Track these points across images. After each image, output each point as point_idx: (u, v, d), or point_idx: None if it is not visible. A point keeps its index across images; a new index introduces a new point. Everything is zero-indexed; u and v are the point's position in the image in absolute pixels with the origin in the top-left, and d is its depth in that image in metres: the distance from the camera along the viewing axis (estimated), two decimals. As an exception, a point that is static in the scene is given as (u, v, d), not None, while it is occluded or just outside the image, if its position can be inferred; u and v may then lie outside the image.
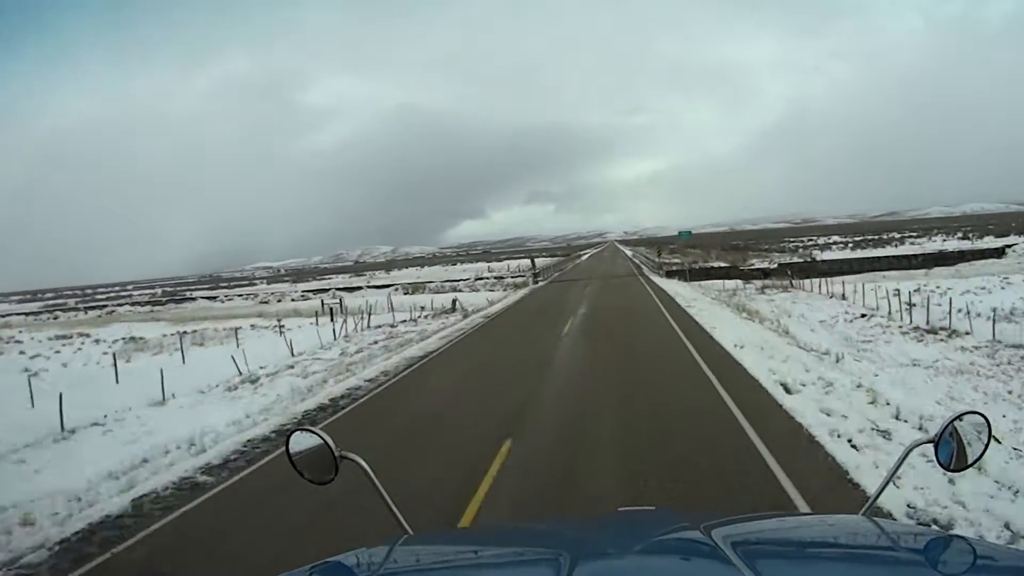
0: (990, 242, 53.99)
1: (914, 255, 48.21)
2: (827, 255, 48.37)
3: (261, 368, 16.26)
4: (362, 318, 27.25)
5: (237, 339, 22.29)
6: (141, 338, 27.85)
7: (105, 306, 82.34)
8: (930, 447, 1.58)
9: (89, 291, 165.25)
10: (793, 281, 26.26)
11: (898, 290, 21.85)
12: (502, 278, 49.85)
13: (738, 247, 75.41)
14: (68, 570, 4.79)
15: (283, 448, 1.77)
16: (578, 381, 9.93)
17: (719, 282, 32.26)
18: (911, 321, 15.70)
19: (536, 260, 74.27)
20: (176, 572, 4.71)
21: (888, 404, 6.90)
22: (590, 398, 8.62)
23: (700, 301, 19.24)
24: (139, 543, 5.18)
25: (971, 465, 1.56)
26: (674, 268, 36.45)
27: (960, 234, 68.73)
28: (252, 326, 28.87)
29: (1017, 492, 4.56)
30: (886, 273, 37.82)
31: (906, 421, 6.41)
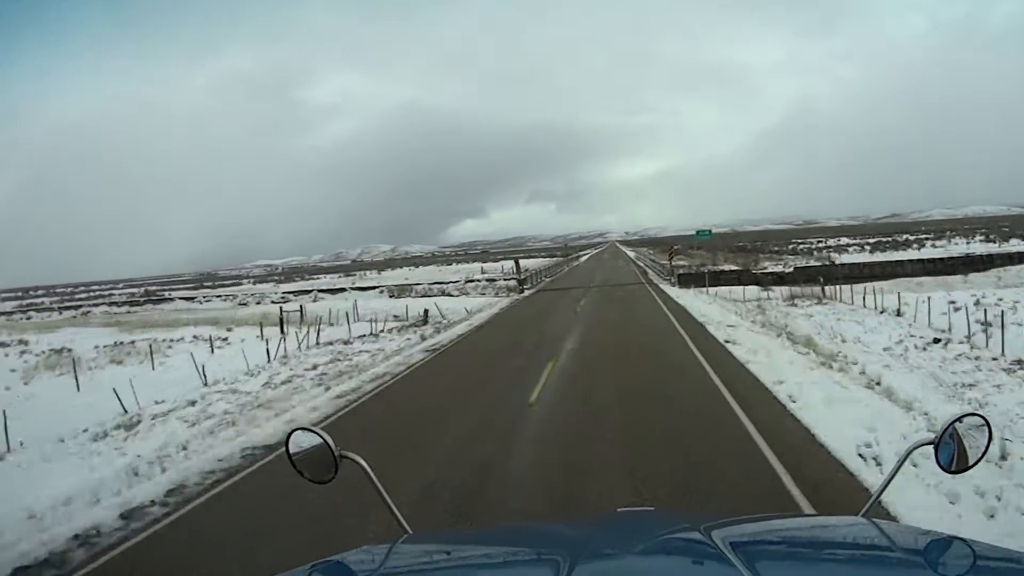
0: (1018, 245, 50.12)
1: (940, 259, 44.33)
2: (845, 258, 44.50)
3: (157, 403, 12.77)
4: (320, 329, 23.45)
5: (153, 359, 18.50)
6: (68, 350, 24.22)
7: (81, 306, 78.86)
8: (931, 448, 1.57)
9: (82, 289, 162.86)
10: (825, 289, 22.35)
11: (953, 302, 18.07)
12: (494, 280, 46.11)
13: (745, 248, 71.50)
14: None
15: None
16: None
17: (735, 289, 28.54)
18: (1003, 351, 11.86)
19: (525, 263, 70.17)
20: None
21: None
22: None
23: (736, 327, 13.95)
24: None
25: (971, 467, 1.54)
26: (682, 272, 32.58)
27: (981, 236, 64.82)
28: (195, 337, 25.13)
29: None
30: (919, 279, 33.92)
31: None
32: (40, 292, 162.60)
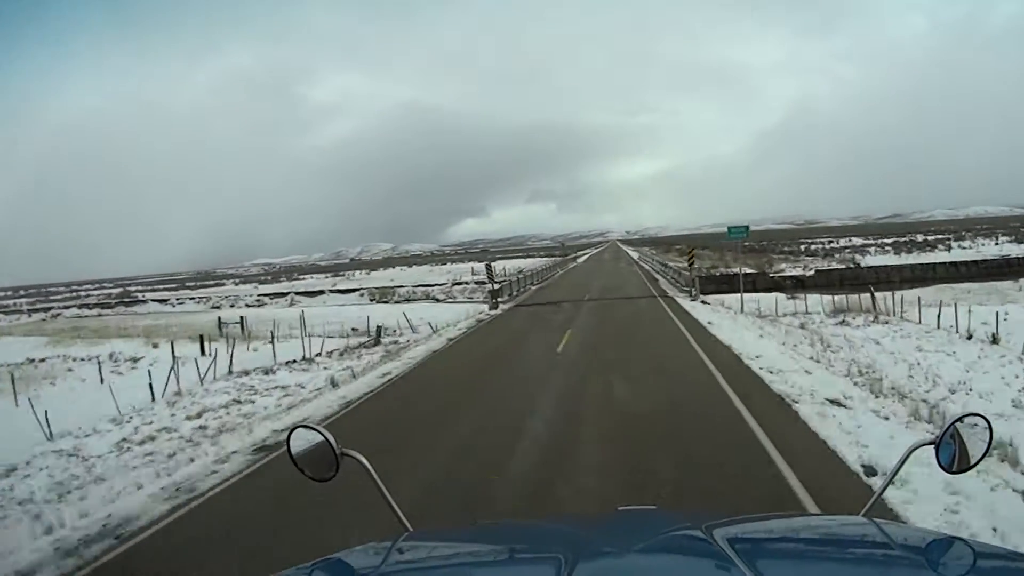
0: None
1: (974, 262, 40.14)
2: (870, 260, 40.24)
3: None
4: (253, 348, 19.34)
5: (16, 395, 14.30)
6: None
7: (52, 308, 74.70)
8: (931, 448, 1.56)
9: (70, 288, 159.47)
10: (875, 302, 18.13)
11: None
12: (483, 283, 41.99)
13: (754, 249, 67.15)
14: None
15: None
16: None
17: (759, 299, 24.37)
18: None
19: (520, 263, 65.08)
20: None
21: None
22: None
23: (816, 388, 7.79)
24: None
25: (972, 467, 1.54)
26: (684, 272, 28.29)
27: (1007, 237, 60.61)
28: (111, 355, 21.00)
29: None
30: (963, 286, 29.67)
31: None
32: (24, 292, 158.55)
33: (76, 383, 16.04)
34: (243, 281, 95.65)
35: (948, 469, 1.57)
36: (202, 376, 14.68)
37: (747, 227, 16.96)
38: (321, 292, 51.63)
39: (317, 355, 16.39)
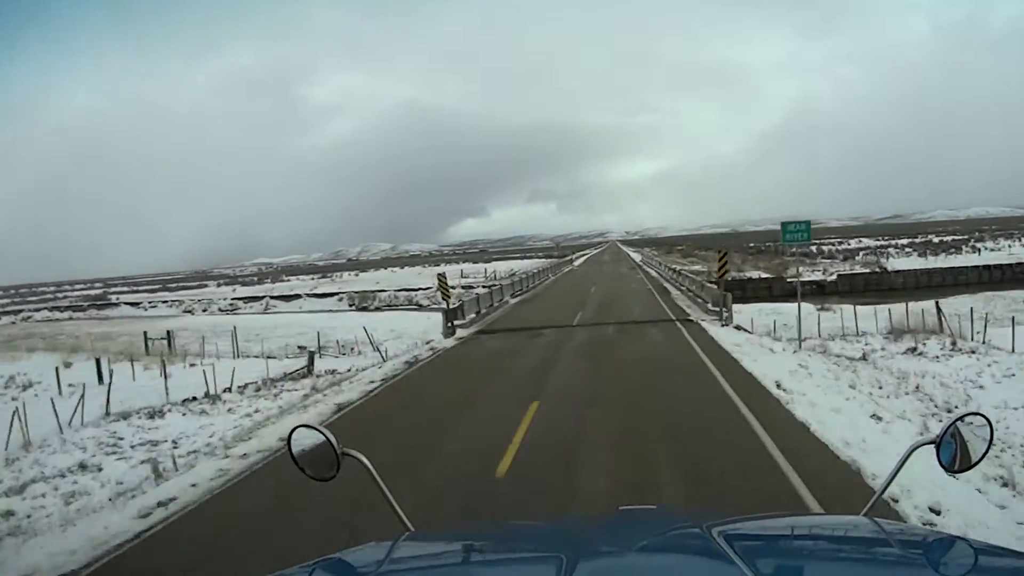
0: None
1: (1008, 265, 36.48)
2: (896, 263, 36.56)
3: None
4: (167, 374, 15.69)
5: None
6: None
7: (22, 311, 71.06)
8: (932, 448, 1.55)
9: (67, 287, 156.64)
10: (943, 320, 14.42)
11: None
12: (471, 287, 38.33)
13: (761, 251, 63.42)
14: None
15: None
16: None
17: (781, 309, 20.76)
18: None
19: (512, 264, 60.99)
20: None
21: None
22: None
23: None
24: None
25: (973, 466, 1.52)
26: (706, 284, 22.93)
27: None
28: (11, 379, 17.31)
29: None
30: (1013, 293, 26.07)
31: None
32: (14, 291, 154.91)
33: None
34: (229, 282, 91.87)
35: (949, 469, 1.54)
36: (71, 417, 11.05)
37: (808, 224, 11.12)
38: (298, 296, 47.96)
39: (227, 390, 12.69)
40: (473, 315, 17.90)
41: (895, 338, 13.66)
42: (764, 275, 33.55)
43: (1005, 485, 4.92)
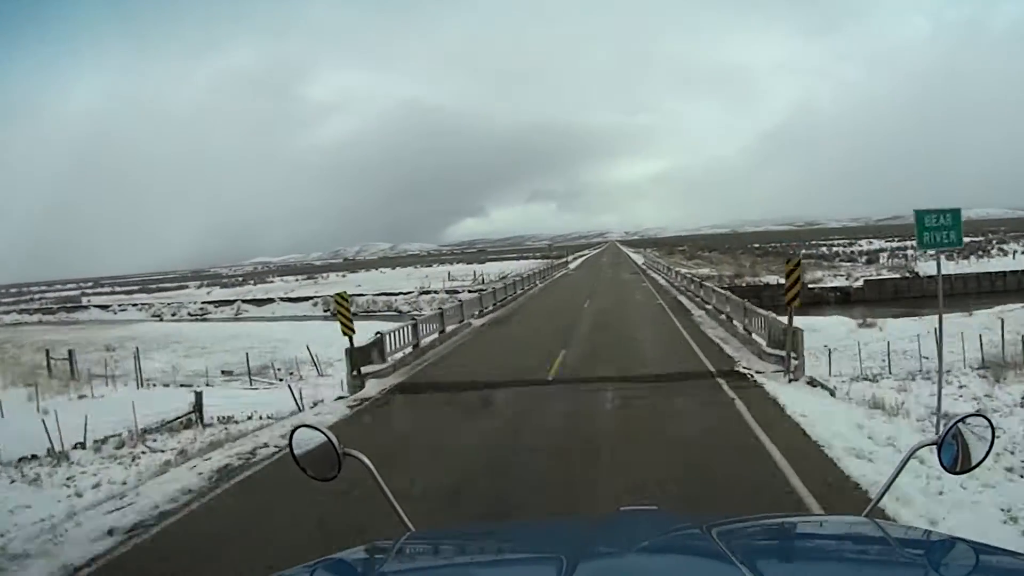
0: None
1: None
2: (925, 267, 32.97)
3: None
4: (39, 406, 12.19)
5: None
6: None
7: (-10, 312, 67.50)
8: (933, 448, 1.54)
9: (58, 286, 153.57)
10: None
11: None
12: (456, 292, 34.80)
13: (770, 252, 59.76)
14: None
15: None
16: None
17: (818, 325, 17.35)
18: None
19: (503, 266, 56.15)
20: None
21: None
22: None
23: None
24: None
25: (974, 468, 1.52)
26: (711, 287, 18.70)
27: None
28: None
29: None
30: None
31: None
32: (13, 289, 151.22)
33: None
34: (213, 283, 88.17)
35: (951, 470, 1.55)
36: None
37: (957, 216, 6.30)
38: (271, 300, 44.34)
39: (80, 445, 9.07)
40: (410, 349, 12.09)
41: (995, 377, 10.04)
42: (782, 281, 29.95)
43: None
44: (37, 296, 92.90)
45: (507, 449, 6.37)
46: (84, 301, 66.84)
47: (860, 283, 29.48)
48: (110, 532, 4.79)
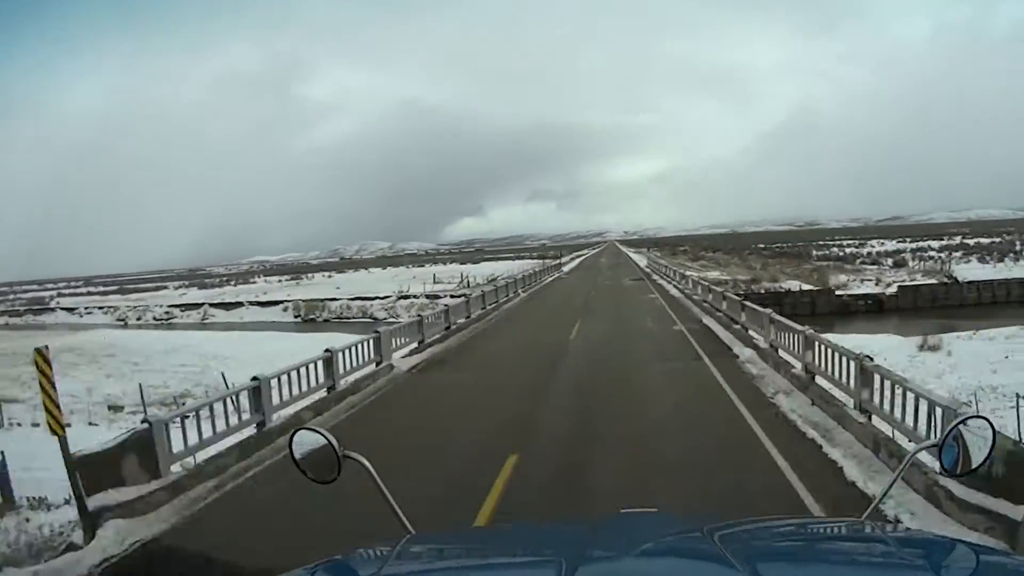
0: None
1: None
2: (964, 271, 29.43)
3: None
4: None
5: None
6: None
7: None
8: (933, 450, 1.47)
9: (49, 284, 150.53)
10: None
11: None
12: (437, 297, 31.29)
13: (783, 253, 56.17)
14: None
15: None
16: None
17: (870, 346, 13.54)
18: None
19: (488, 271, 50.50)
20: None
21: None
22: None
23: None
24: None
25: (975, 469, 1.50)
26: (734, 300, 14.80)
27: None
28: None
29: None
30: None
31: None
32: (3, 288, 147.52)
33: None
34: (190, 283, 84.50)
35: (951, 472, 1.53)
36: None
37: None
38: (240, 304, 40.77)
39: None
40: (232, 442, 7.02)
41: None
42: (804, 286, 26.33)
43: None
44: (12, 297, 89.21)
45: None
46: (53, 303, 63.20)
47: (893, 289, 25.92)
48: None
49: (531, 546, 1.44)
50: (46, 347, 5.11)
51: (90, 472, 4.98)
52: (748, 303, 12.35)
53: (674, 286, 24.91)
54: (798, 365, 8.55)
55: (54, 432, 4.85)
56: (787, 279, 28.09)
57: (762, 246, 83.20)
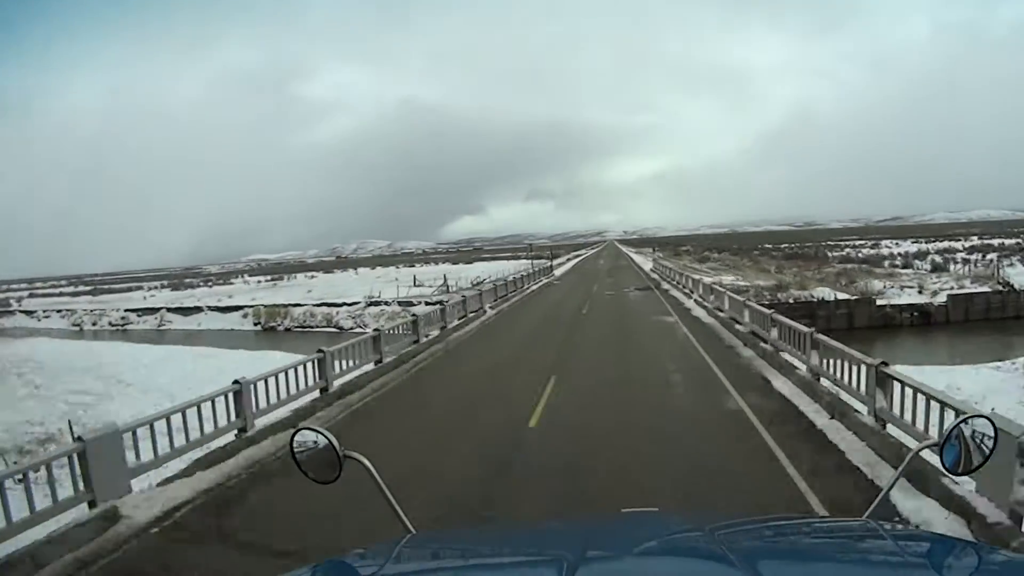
0: None
1: None
2: (1017, 276, 25.55)
3: None
4: None
5: None
6: None
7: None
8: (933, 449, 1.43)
9: (38, 283, 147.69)
10: None
11: None
12: (410, 303, 27.40)
13: (795, 254, 52.19)
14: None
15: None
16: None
17: (958, 379, 9.83)
18: None
19: (480, 271, 42.80)
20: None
21: None
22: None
23: None
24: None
25: (977, 468, 1.50)
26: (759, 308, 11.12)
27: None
28: None
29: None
30: None
31: None
32: None
33: None
34: (169, 282, 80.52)
35: (953, 470, 1.53)
36: None
37: None
38: (198, 309, 36.80)
39: None
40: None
41: None
42: (840, 295, 22.43)
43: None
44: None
45: None
46: (16, 305, 59.36)
47: (942, 299, 22.09)
48: None
49: (532, 545, 1.42)
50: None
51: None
52: (820, 336, 8.16)
53: (695, 300, 18.68)
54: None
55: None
56: (816, 285, 24.19)
57: (769, 246, 79.41)
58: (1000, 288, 22.83)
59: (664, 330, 14.87)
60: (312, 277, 67.60)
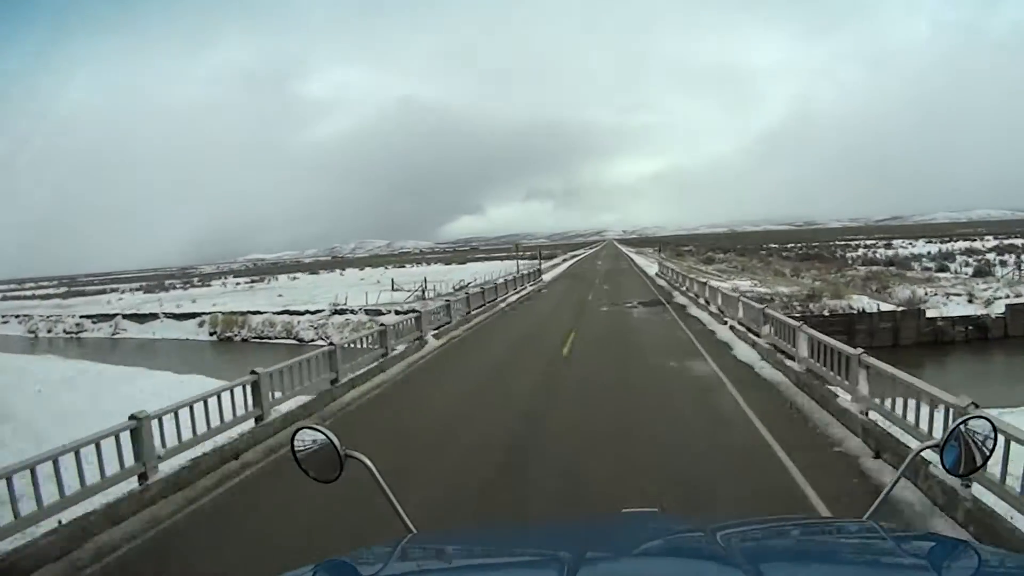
0: None
1: None
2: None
3: None
4: None
5: None
6: None
7: None
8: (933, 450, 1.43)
9: (29, 284, 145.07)
10: None
11: None
12: (379, 312, 23.99)
13: (808, 256, 48.85)
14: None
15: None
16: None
17: None
18: None
19: (478, 267, 35.56)
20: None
21: None
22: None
23: None
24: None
25: (977, 470, 1.49)
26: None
27: None
28: None
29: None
30: None
31: None
32: None
33: None
34: (146, 285, 77.17)
35: (953, 471, 1.51)
36: None
37: None
38: (155, 316, 33.43)
39: None
40: None
41: None
42: (883, 306, 19.04)
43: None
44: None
45: None
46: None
47: (1000, 310, 18.73)
48: None
49: (532, 546, 1.41)
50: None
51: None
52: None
53: (731, 328, 12.57)
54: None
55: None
56: (851, 292, 20.74)
57: (775, 246, 76.10)
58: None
59: (701, 402, 8.15)
60: (294, 279, 64.23)
